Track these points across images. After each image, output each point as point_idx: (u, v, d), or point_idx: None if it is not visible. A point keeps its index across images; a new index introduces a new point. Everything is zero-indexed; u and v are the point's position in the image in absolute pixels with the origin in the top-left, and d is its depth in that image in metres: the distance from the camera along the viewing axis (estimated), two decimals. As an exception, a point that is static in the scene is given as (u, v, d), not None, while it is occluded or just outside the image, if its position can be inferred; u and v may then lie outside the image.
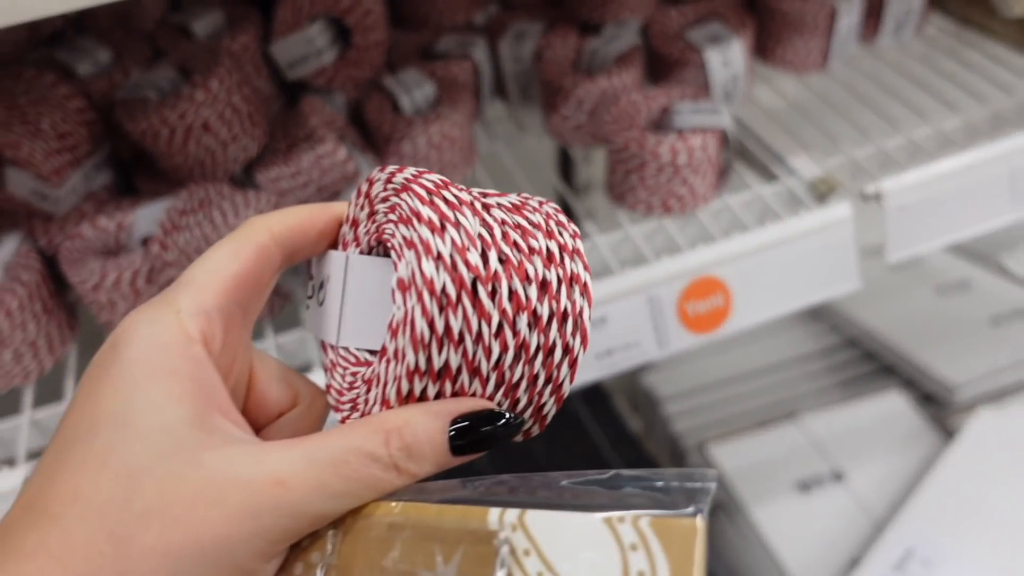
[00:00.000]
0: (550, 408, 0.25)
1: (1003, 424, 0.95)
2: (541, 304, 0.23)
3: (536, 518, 0.18)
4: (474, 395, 0.23)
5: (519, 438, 0.25)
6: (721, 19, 0.62)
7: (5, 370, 0.48)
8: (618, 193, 0.56)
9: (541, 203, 0.26)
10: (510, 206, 0.25)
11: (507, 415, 0.23)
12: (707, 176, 0.54)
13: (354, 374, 0.26)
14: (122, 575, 0.19)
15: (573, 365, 0.24)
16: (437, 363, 0.23)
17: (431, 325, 0.22)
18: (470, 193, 0.25)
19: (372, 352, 0.26)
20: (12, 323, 0.47)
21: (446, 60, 0.62)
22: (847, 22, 0.63)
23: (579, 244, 0.25)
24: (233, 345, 0.24)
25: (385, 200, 0.25)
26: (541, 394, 0.24)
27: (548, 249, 0.24)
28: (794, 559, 0.81)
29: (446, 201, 0.23)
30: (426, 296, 0.22)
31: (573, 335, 0.24)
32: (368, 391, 0.24)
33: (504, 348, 0.23)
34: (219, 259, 0.24)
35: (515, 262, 0.23)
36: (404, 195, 0.24)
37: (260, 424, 0.26)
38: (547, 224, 0.25)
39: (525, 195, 0.26)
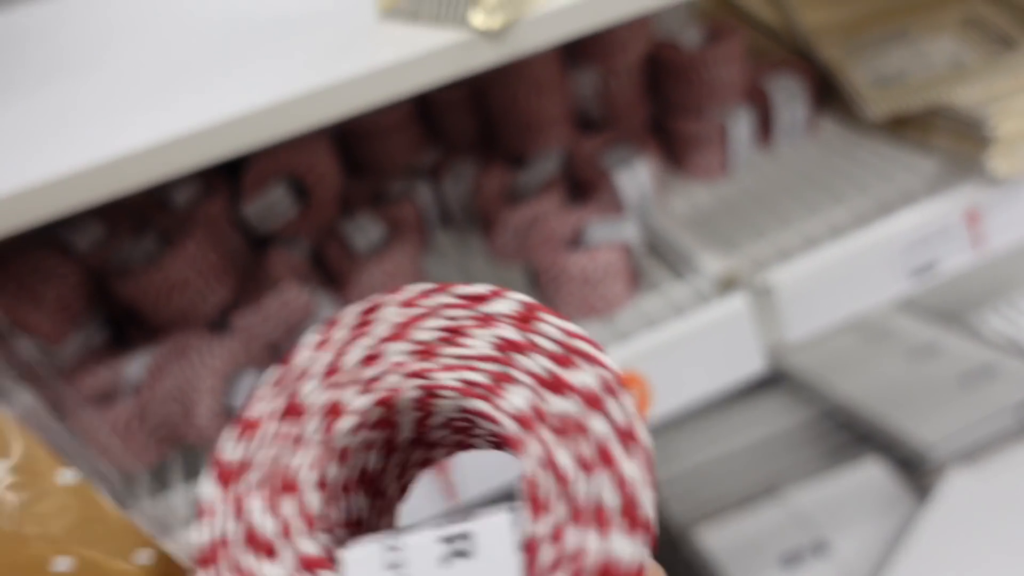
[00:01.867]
0: None
1: (974, 482, 0.99)
2: None
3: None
4: None
5: None
6: (628, 143, 0.72)
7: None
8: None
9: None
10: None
11: None
12: (620, 282, 0.62)
13: None
14: None
15: None
16: None
17: None
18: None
19: None
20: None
21: (393, 202, 0.72)
22: (738, 135, 0.72)
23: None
24: None
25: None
26: None
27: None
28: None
29: None
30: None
31: None
32: None
33: None
34: None
35: None
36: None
37: None
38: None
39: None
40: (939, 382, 1.25)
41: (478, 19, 0.43)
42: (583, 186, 0.71)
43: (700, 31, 0.74)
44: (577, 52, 0.74)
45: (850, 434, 1.26)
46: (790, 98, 0.74)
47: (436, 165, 0.76)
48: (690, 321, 0.59)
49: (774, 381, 1.40)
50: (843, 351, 1.36)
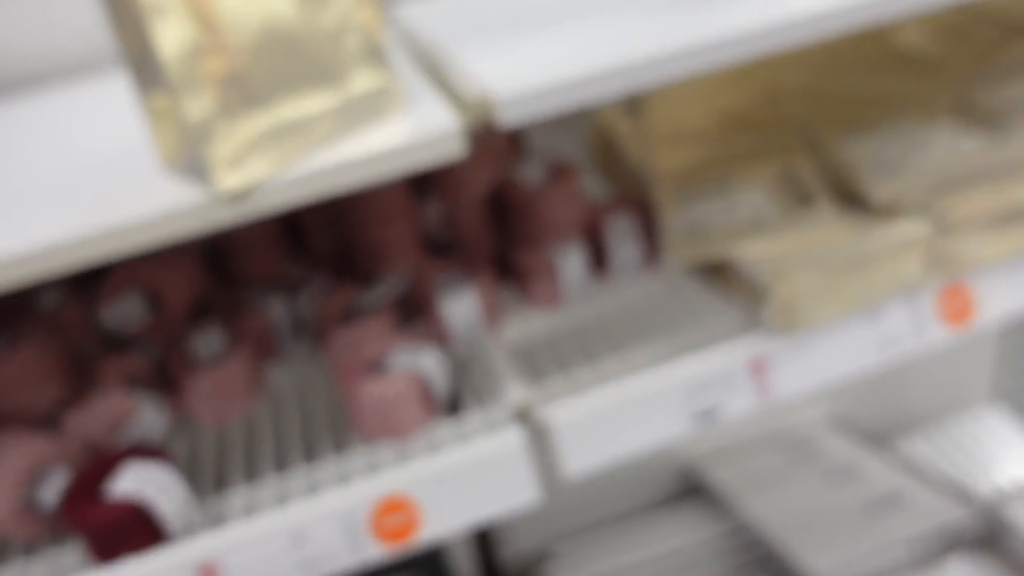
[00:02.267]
0: None
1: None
2: None
3: None
4: None
5: None
6: (467, 271, 0.76)
7: None
8: (350, 421, 0.68)
9: None
10: None
11: None
12: (414, 408, 0.66)
13: None
14: None
15: None
16: None
17: None
18: None
19: None
20: None
21: (246, 313, 0.77)
22: (570, 269, 0.77)
23: None
24: None
25: None
26: None
27: None
28: None
29: None
30: None
31: None
32: None
33: None
34: None
35: None
36: None
37: None
38: None
39: None
40: (846, 508, 1.24)
41: (223, 182, 0.48)
42: (419, 310, 0.76)
43: (542, 169, 0.79)
44: (425, 183, 0.80)
45: (753, 554, 1.26)
46: (624, 236, 0.78)
47: (296, 279, 0.82)
48: (469, 451, 0.63)
49: (695, 492, 1.41)
50: (765, 468, 1.36)
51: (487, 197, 0.80)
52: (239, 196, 0.49)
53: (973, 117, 0.72)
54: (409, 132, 0.51)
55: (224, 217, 0.50)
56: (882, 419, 1.50)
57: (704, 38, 0.52)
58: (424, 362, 0.66)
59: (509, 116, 0.50)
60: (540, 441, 0.65)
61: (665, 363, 0.67)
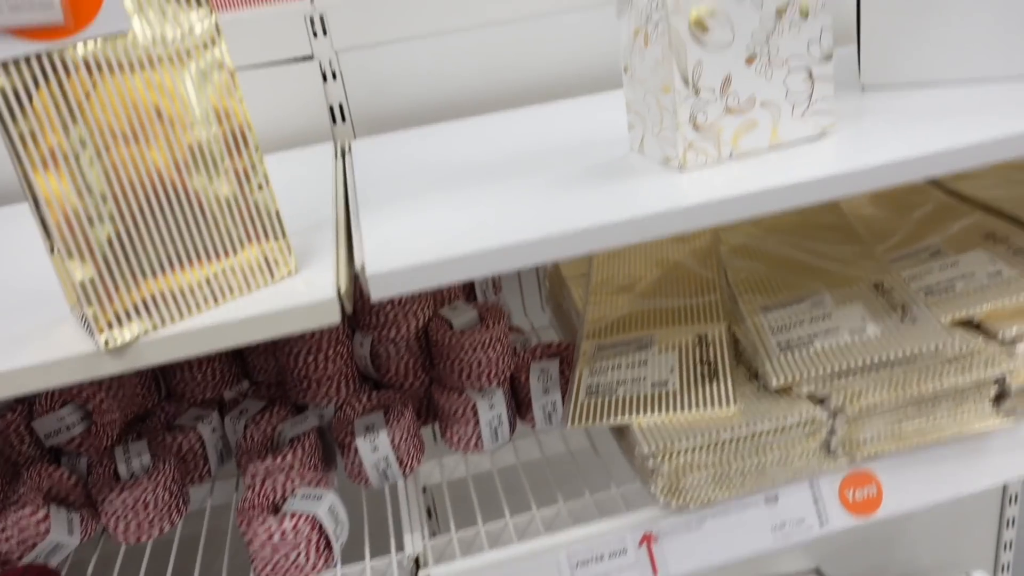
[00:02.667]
0: None
1: None
2: None
3: None
4: None
5: None
6: (389, 409, 0.78)
7: None
8: (248, 564, 0.69)
9: None
10: None
11: None
12: (309, 551, 0.67)
13: None
14: None
15: None
16: None
17: None
18: None
19: None
20: None
21: (177, 431, 0.80)
22: (490, 416, 0.78)
23: None
24: None
25: None
26: None
27: None
28: None
29: None
30: None
31: None
32: None
33: None
34: None
35: None
36: None
37: None
38: None
39: None
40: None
41: (102, 339, 0.51)
42: (338, 445, 0.77)
43: (471, 312, 0.82)
44: (359, 319, 0.82)
45: None
46: (547, 384, 0.79)
47: (230, 400, 0.84)
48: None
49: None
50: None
51: (416, 336, 0.82)
52: (118, 351, 0.52)
53: (889, 300, 0.72)
54: (289, 298, 0.53)
55: (107, 368, 0.53)
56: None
57: (595, 222, 0.54)
58: (323, 506, 0.68)
59: (379, 293, 0.52)
60: (421, 597, 0.65)
61: (559, 531, 0.67)
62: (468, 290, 0.94)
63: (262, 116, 0.93)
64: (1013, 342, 0.68)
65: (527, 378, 0.80)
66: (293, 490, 0.70)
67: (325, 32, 0.89)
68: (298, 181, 0.78)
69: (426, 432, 0.85)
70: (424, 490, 0.76)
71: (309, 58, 0.90)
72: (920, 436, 0.68)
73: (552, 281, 1.00)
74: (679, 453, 0.64)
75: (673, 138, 0.61)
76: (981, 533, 1.46)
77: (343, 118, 0.95)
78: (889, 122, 0.65)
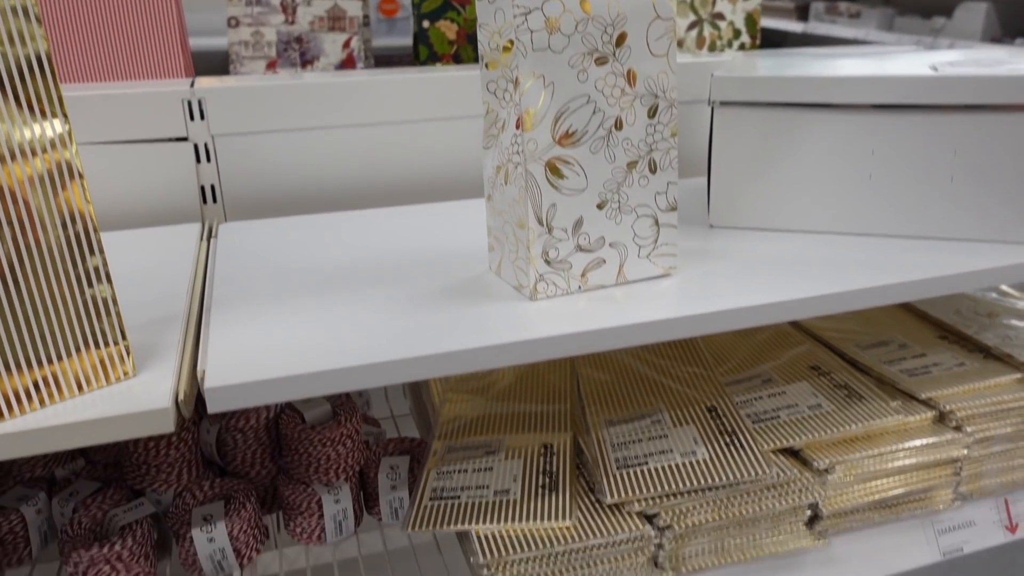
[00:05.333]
0: None
1: None
2: None
3: None
4: None
5: None
6: (230, 499, 0.76)
7: None
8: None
9: None
10: None
11: None
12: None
13: None
14: None
15: None
16: None
17: None
18: None
19: None
20: None
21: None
22: (335, 510, 0.78)
23: None
24: None
25: None
26: None
27: None
28: None
29: None
30: None
31: None
32: None
33: None
34: None
35: None
36: None
37: None
38: None
39: None
40: None
41: None
42: (172, 534, 0.75)
43: (321, 404, 0.82)
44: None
45: None
46: (395, 482, 0.80)
47: (65, 480, 0.81)
48: None
49: None
50: None
51: (266, 426, 0.81)
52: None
53: (720, 425, 0.78)
54: (122, 403, 0.52)
55: None
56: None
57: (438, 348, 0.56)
58: (144, 603, 0.65)
59: (217, 407, 0.52)
60: None
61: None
62: (328, 376, 0.94)
63: (132, 191, 0.91)
64: (826, 471, 0.74)
65: (375, 474, 0.80)
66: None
67: (203, 116, 0.89)
68: (158, 263, 0.77)
69: (273, 520, 0.83)
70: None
71: (184, 139, 0.90)
72: (741, 553, 0.73)
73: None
74: (513, 564, 0.66)
75: (526, 270, 0.64)
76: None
77: (214, 199, 0.95)
78: (730, 267, 0.71)
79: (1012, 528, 0.84)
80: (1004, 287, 1.08)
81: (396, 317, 0.62)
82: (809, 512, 0.75)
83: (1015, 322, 0.96)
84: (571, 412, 0.84)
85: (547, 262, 0.65)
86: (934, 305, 1.01)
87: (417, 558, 0.78)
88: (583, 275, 0.66)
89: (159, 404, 0.51)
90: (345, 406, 0.83)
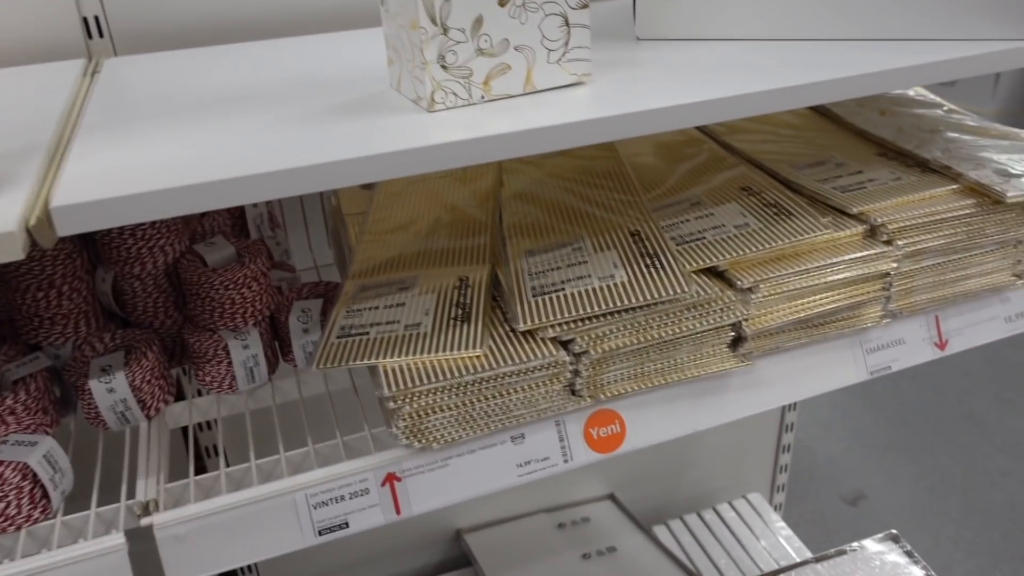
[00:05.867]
0: None
1: None
2: None
3: None
4: None
5: None
6: (130, 348, 0.73)
7: None
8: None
9: None
10: None
11: None
12: (22, 501, 0.62)
13: None
14: None
15: None
16: None
17: None
18: None
19: None
20: None
21: None
22: (244, 356, 0.74)
23: None
24: None
25: None
26: None
27: None
28: None
29: None
30: None
31: None
32: None
33: None
34: None
35: None
36: None
37: None
38: None
39: None
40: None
41: None
42: (73, 388, 0.72)
43: (226, 248, 0.77)
44: (101, 254, 0.76)
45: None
46: (307, 324, 0.76)
47: (-44, 337, 0.76)
48: (76, 552, 0.59)
49: (465, 562, 1.40)
50: (531, 544, 1.37)
51: (167, 272, 0.77)
52: None
53: (641, 248, 0.74)
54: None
55: None
56: (660, 500, 1.54)
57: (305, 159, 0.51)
58: (36, 453, 0.63)
59: (66, 229, 0.47)
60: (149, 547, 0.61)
61: (298, 473, 0.65)
62: (238, 225, 0.89)
63: (4, 25, 0.83)
64: (749, 290, 0.72)
65: (287, 317, 0.77)
66: (5, 437, 0.64)
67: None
68: (30, 99, 0.70)
69: (177, 374, 0.80)
70: (163, 438, 0.72)
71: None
72: (661, 377, 0.71)
73: (334, 218, 0.96)
74: (420, 395, 0.64)
75: (422, 78, 0.59)
76: (761, 458, 1.59)
77: (100, 33, 0.86)
78: (650, 74, 0.66)
79: (941, 345, 0.83)
80: (951, 104, 1.04)
81: (278, 133, 0.57)
82: (732, 333, 0.72)
83: (958, 135, 0.92)
84: (490, 245, 0.80)
85: (444, 68, 0.59)
86: (876, 124, 0.96)
87: (333, 402, 0.75)
88: (486, 83, 0.61)
89: (5, 228, 0.46)
90: (251, 248, 0.78)
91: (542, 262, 0.75)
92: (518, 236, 0.80)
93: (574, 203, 0.86)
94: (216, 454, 1.01)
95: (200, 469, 0.71)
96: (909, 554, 1.24)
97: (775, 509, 1.58)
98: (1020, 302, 0.86)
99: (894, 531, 1.28)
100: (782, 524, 1.46)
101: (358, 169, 0.52)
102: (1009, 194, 0.78)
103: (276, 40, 0.84)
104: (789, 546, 1.39)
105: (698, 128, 1.01)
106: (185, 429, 0.77)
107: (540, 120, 0.57)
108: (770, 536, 1.41)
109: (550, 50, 0.62)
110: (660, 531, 1.45)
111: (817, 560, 1.17)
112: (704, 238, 0.76)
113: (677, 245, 0.76)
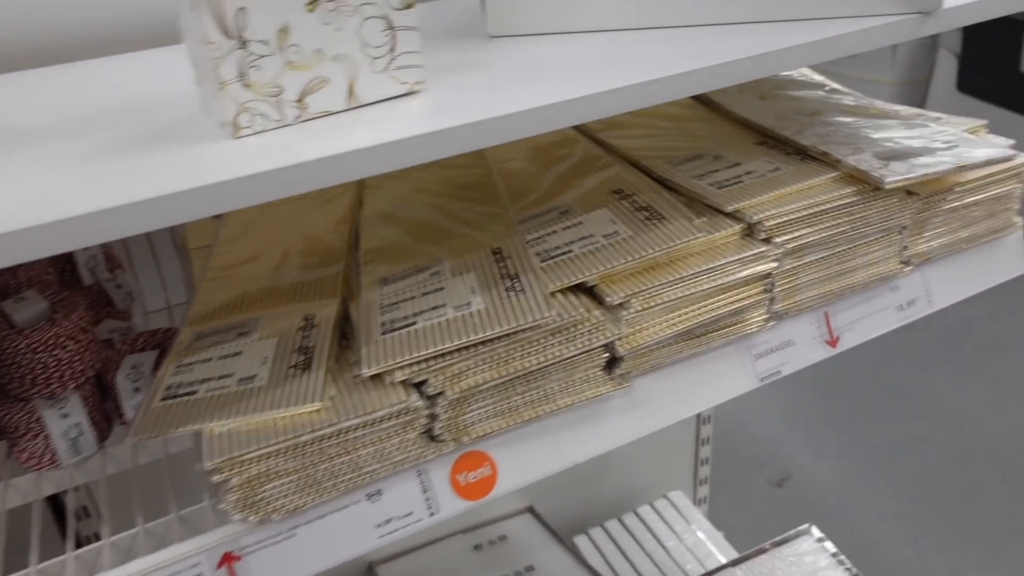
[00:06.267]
0: None
1: None
2: None
3: None
4: None
5: None
6: None
7: None
8: None
9: None
10: None
11: None
12: None
13: None
14: None
15: None
16: None
17: None
18: None
19: None
20: None
21: None
22: (65, 426, 0.66)
23: None
24: None
25: None
26: None
27: None
28: None
29: None
30: None
31: None
32: None
33: None
34: None
35: None
36: None
37: None
38: None
39: None
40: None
41: None
42: None
43: (40, 304, 0.68)
44: None
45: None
46: (142, 380, 0.68)
47: None
48: None
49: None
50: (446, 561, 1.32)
51: (-30, 338, 0.67)
52: None
53: (503, 269, 0.68)
54: None
55: None
56: (580, 508, 1.50)
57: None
58: None
59: None
60: None
61: (130, 561, 0.57)
62: (68, 270, 0.79)
63: None
64: (620, 306, 0.66)
65: (114, 376, 0.68)
66: None
67: None
68: None
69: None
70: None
71: None
72: (532, 410, 0.65)
73: (181, 253, 0.87)
74: (251, 462, 0.56)
75: (222, 99, 0.51)
76: (680, 454, 1.55)
77: None
78: (498, 77, 0.59)
79: (833, 342, 0.79)
80: (833, 84, 1.00)
81: (55, 174, 0.48)
82: (606, 354, 0.67)
83: (837, 118, 0.88)
84: (344, 275, 0.73)
85: (248, 87, 0.51)
86: (756, 110, 0.92)
87: (169, 472, 0.67)
88: (300, 100, 0.53)
89: None
90: (66, 302, 0.69)
91: (396, 291, 0.68)
92: (375, 262, 0.73)
93: (438, 220, 0.79)
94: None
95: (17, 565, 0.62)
96: (821, 540, 1.22)
97: (699, 504, 1.55)
98: (910, 289, 0.83)
99: (811, 525, 1.26)
100: (705, 521, 1.43)
101: (121, 219, 0.44)
102: (887, 179, 0.74)
103: (76, 63, 0.75)
104: (712, 543, 1.36)
105: (573, 126, 0.95)
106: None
107: (360, 141, 0.50)
108: (690, 535, 1.38)
109: (374, 58, 0.55)
110: (581, 541, 1.40)
111: (734, 564, 1.14)
112: (571, 252, 0.70)
113: (542, 261, 0.70)
